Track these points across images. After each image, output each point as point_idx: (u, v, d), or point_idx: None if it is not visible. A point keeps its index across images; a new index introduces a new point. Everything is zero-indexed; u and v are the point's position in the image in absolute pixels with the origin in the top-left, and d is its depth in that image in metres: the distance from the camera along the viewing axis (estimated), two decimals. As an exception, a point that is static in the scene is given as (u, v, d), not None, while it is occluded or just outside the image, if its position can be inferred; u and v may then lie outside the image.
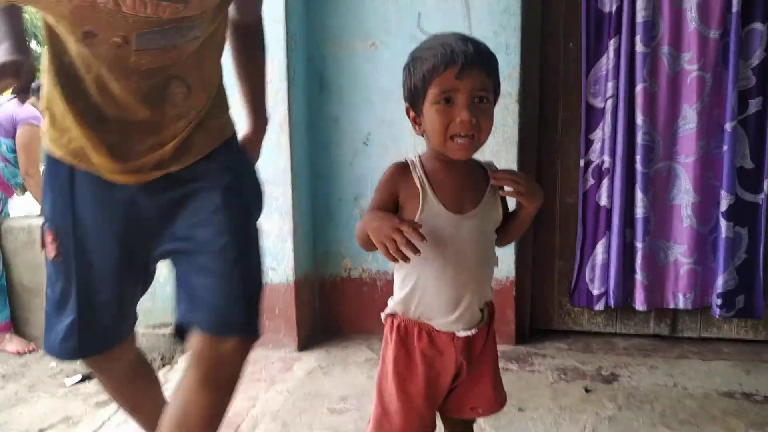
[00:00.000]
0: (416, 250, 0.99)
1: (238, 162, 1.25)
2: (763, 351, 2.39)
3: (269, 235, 2.36)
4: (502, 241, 1.23)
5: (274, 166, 2.32)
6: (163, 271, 2.74)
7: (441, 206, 1.09)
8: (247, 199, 1.24)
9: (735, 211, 2.28)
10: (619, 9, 2.25)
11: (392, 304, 1.18)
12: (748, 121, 2.28)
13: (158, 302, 2.81)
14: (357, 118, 2.46)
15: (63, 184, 1.16)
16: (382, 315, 1.21)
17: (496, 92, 1.11)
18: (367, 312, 2.51)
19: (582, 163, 2.41)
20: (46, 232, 1.20)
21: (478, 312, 1.16)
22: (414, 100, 1.09)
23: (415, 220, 1.07)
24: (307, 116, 2.48)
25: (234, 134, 1.27)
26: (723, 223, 2.28)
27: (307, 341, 2.47)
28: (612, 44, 2.28)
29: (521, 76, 2.30)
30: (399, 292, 1.16)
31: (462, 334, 1.13)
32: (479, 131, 1.05)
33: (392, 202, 1.11)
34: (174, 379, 2.18)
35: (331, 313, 2.60)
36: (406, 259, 1.00)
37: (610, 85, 2.30)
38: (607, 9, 2.29)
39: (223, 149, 1.20)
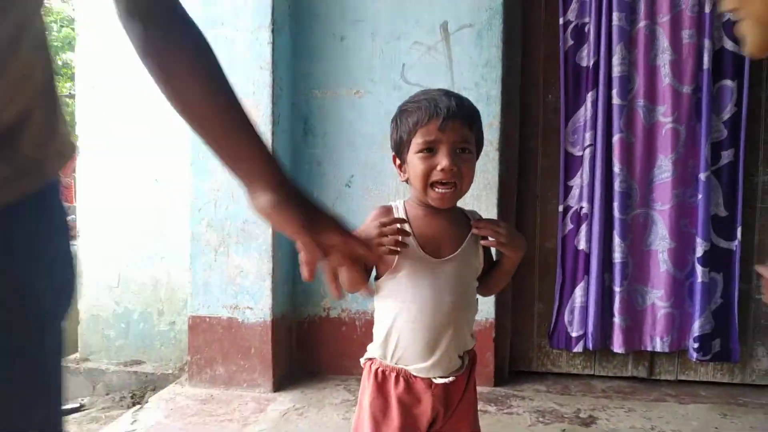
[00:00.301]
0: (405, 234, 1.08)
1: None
2: (739, 394, 2.41)
3: (248, 274, 2.35)
4: (486, 291, 1.24)
5: (257, 205, 2.33)
6: (137, 307, 2.75)
7: (420, 249, 1.11)
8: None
9: (710, 257, 2.33)
10: (596, 64, 2.34)
11: (371, 348, 1.18)
12: (721, 171, 2.35)
13: (130, 339, 2.77)
14: (340, 162, 2.49)
15: None
16: (361, 360, 1.21)
17: (479, 145, 1.15)
18: (345, 352, 2.49)
19: (561, 208, 2.46)
20: None
21: (457, 359, 1.16)
22: (400, 149, 1.14)
23: (394, 263, 1.10)
24: (291, 159, 2.50)
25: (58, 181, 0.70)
26: (699, 268, 2.33)
27: (282, 382, 2.44)
28: (590, 96, 2.36)
29: (501, 125, 2.36)
30: (377, 336, 1.16)
31: (439, 381, 1.13)
32: (461, 179, 1.09)
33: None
34: (143, 419, 2.13)
35: (309, 353, 2.58)
36: (404, 245, 1.07)
37: (588, 134, 2.37)
38: (584, 63, 2.38)
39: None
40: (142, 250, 2.75)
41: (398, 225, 1.09)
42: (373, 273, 1.17)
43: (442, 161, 1.07)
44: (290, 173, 2.62)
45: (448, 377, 1.14)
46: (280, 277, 2.42)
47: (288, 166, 2.49)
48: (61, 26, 11.32)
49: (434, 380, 1.13)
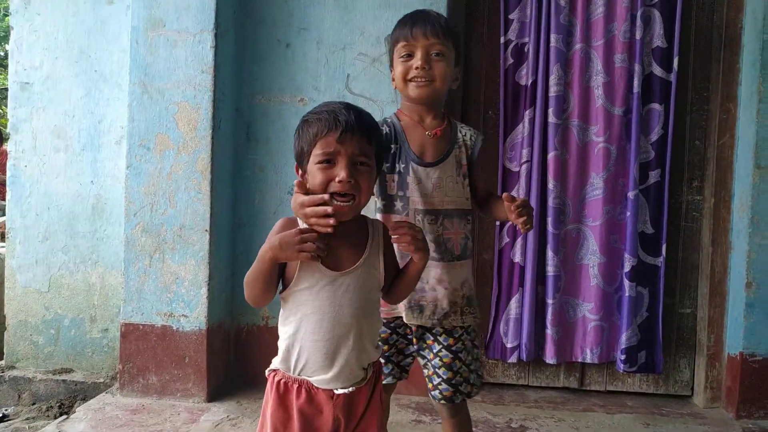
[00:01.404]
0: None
1: None
2: (663, 404, 2.52)
3: (183, 281, 2.31)
4: (393, 298, 1.29)
5: (194, 211, 2.29)
6: (69, 313, 2.66)
7: (318, 262, 1.13)
8: None
9: (637, 272, 2.43)
10: (534, 83, 2.42)
11: (275, 360, 1.19)
12: (649, 190, 2.46)
13: (61, 346, 2.68)
14: (283, 169, 2.48)
15: None
16: (267, 372, 1.21)
17: (380, 158, 1.21)
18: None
19: (498, 222, 2.52)
20: None
21: (360, 370, 1.18)
22: (301, 159, 1.18)
23: (294, 276, 1.13)
24: (232, 165, 2.48)
25: None
26: (626, 283, 2.43)
27: (217, 392, 2.40)
28: (527, 114, 2.43)
29: (442, 137, 2.40)
30: (281, 347, 1.18)
31: (340, 391, 1.15)
32: (359, 192, 1.13)
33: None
34: (69, 430, 2.06)
35: (246, 362, 2.55)
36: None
37: (525, 151, 2.44)
38: (523, 82, 2.46)
39: None
40: (76, 253, 2.66)
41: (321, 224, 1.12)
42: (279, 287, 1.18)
43: (340, 173, 1.11)
44: (231, 179, 2.59)
45: (350, 387, 1.16)
46: (218, 285, 2.39)
47: (229, 171, 2.47)
48: (5, 15, 10.86)
49: (336, 391, 1.15)
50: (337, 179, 1.11)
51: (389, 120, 1.53)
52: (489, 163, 2.54)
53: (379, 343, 1.39)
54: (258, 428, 1.20)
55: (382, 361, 1.50)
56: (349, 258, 1.17)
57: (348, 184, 1.11)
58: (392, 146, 1.48)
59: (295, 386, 1.15)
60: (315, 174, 1.13)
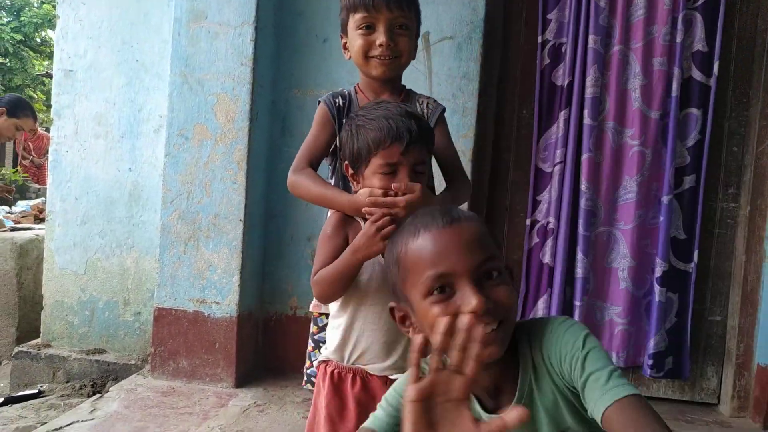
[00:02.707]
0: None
1: None
2: (688, 410, 2.50)
3: (216, 268, 2.36)
4: None
5: (229, 201, 2.34)
6: (103, 296, 2.73)
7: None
8: None
9: (668, 277, 2.41)
10: (570, 84, 2.41)
11: (326, 351, 1.21)
12: (683, 196, 2.43)
13: (95, 327, 2.76)
14: (316, 161, 2.51)
15: None
16: (314, 362, 1.24)
17: (430, 153, 1.22)
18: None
19: (528, 222, 2.52)
20: None
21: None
22: (356, 162, 1.17)
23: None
24: (267, 157, 2.52)
25: None
26: (656, 288, 2.41)
27: (245, 378, 2.45)
28: (562, 115, 2.42)
29: (476, 137, 2.41)
30: (335, 338, 1.19)
31: (395, 376, 1.17)
32: None
33: (344, 247, 1.16)
34: (103, 408, 2.13)
35: (274, 350, 2.59)
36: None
37: (558, 152, 2.43)
38: (559, 83, 2.45)
39: None
40: (112, 238, 2.73)
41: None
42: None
43: (403, 180, 1.12)
44: (266, 170, 2.62)
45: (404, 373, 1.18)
46: (249, 274, 2.44)
47: (264, 163, 2.51)
48: (42, 2, 11.09)
49: (391, 377, 1.17)
50: (394, 185, 1.12)
51: (346, 92, 1.44)
52: (522, 163, 2.55)
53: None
54: (309, 419, 1.23)
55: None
56: None
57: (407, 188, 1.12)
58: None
59: (350, 375, 1.18)
60: (374, 183, 1.14)
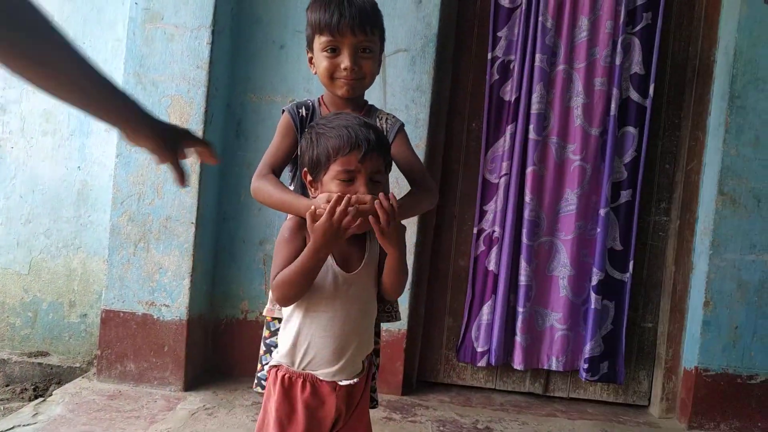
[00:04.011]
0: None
1: None
2: (621, 413, 2.64)
3: (166, 271, 2.35)
4: (391, 293, 1.29)
5: (180, 203, 2.34)
6: (47, 297, 2.67)
7: (333, 262, 1.19)
8: None
9: (604, 286, 2.55)
10: (518, 100, 2.52)
11: (277, 356, 1.24)
12: (620, 209, 2.58)
13: (38, 329, 2.69)
14: (270, 166, 2.54)
15: None
16: (266, 367, 1.27)
17: (388, 167, 1.26)
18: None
19: (475, 230, 2.62)
20: None
21: (360, 363, 1.26)
22: (314, 169, 1.21)
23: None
24: (221, 159, 2.52)
25: None
26: (593, 296, 2.54)
27: (194, 381, 2.44)
28: (509, 129, 2.53)
29: (427, 147, 2.49)
30: (285, 343, 1.22)
31: (344, 383, 1.21)
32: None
33: (302, 250, 1.18)
34: (46, 412, 2.09)
35: (224, 354, 2.60)
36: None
37: (504, 164, 2.54)
38: (507, 98, 2.56)
39: None
40: (58, 237, 2.68)
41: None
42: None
43: (360, 190, 1.15)
44: (219, 174, 2.61)
45: (353, 379, 1.23)
46: (200, 277, 2.44)
47: (218, 166, 2.51)
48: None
49: (340, 383, 1.21)
50: (355, 197, 1.14)
51: (310, 104, 1.46)
52: (470, 173, 2.64)
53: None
54: (258, 423, 1.25)
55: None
56: (357, 257, 1.23)
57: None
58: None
59: (300, 380, 1.21)
60: (332, 188, 1.17)
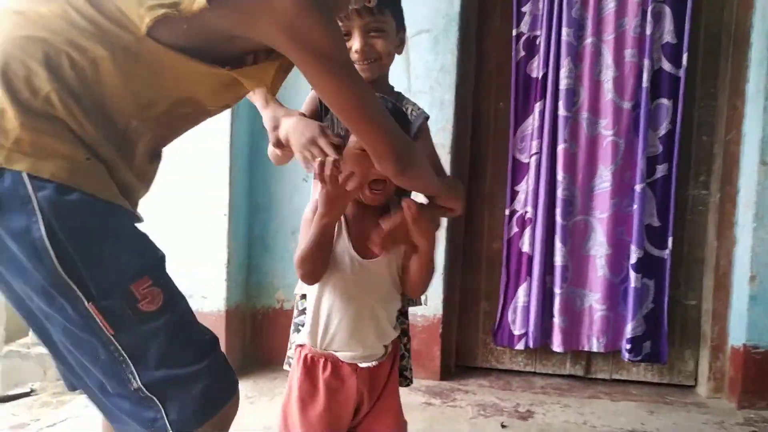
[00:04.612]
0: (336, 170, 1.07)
1: None
2: (667, 393, 2.57)
3: (203, 263, 2.40)
4: (412, 290, 1.27)
5: (212, 196, 2.38)
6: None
7: (350, 247, 1.19)
8: None
9: (643, 264, 2.48)
10: (545, 76, 2.47)
11: (302, 334, 1.26)
12: (656, 184, 2.51)
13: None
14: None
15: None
16: (293, 344, 1.29)
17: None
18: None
19: (507, 212, 2.58)
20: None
21: (381, 347, 1.26)
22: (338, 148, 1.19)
23: (330, 256, 1.18)
24: (249, 152, 2.56)
25: None
26: (632, 274, 2.48)
27: (236, 372, 2.48)
28: (538, 107, 2.49)
29: (454, 129, 2.47)
30: (308, 323, 1.24)
31: (364, 365, 1.22)
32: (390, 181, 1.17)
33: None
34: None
35: (262, 344, 2.64)
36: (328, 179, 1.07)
37: (534, 143, 2.50)
38: (534, 75, 2.52)
39: None
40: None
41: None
42: None
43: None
44: (248, 164, 2.63)
45: (372, 362, 1.23)
46: (235, 268, 2.48)
47: (246, 157, 2.55)
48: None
49: (360, 365, 1.22)
50: (373, 169, 1.13)
51: None
52: (500, 154, 2.61)
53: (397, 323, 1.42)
54: (284, 400, 1.27)
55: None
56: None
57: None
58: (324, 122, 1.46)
59: (322, 360, 1.22)
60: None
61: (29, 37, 0.86)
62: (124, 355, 0.90)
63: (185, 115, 1.04)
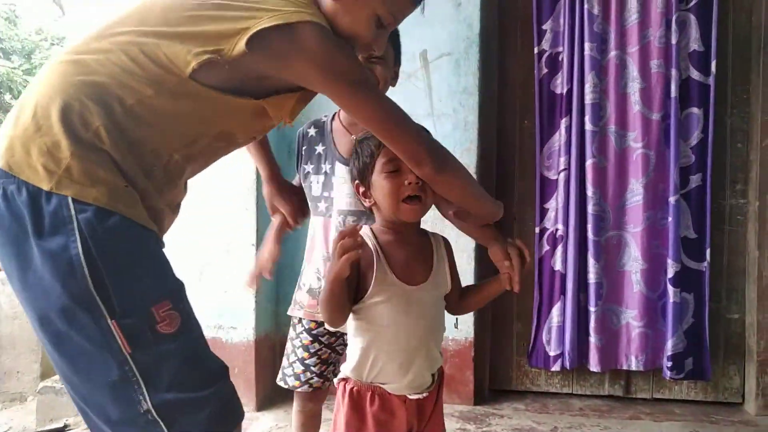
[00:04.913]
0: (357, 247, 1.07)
1: None
2: (713, 412, 2.47)
3: (231, 294, 2.39)
4: (462, 310, 1.30)
5: (240, 227, 2.38)
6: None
7: (393, 277, 1.17)
8: None
9: (681, 277, 2.41)
10: (570, 91, 2.44)
11: (345, 369, 1.23)
12: (690, 195, 2.44)
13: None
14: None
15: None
16: (335, 380, 1.26)
17: None
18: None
19: (537, 230, 2.53)
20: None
21: (429, 376, 1.23)
22: (363, 174, 1.21)
23: (369, 289, 1.16)
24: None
25: None
26: (670, 289, 2.40)
27: (265, 401, 2.47)
28: (564, 123, 2.45)
29: (479, 149, 2.44)
30: (353, 357, 1.21)
31: (413, 396, 1.19)
32: (425, 193, 1.16)
33: (353, 269, 1.15)
34: None
35: (293, 372, 2.61)
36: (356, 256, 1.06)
37: (562, 159, 2.45)
38: (558, 91, 2.48)
39: None
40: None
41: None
42: None
43: (409, 176, 1.15)
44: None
45: (423, 393, 1.20)
46: (264, 297, 2.47)
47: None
48: (51, 44, 11.36)
49: (409, 396, 1.19)
50: (406, 182, 1.15)
51: (320, 121, 1.57)
52: (527, 172, 2.57)
53: None
54: None
55: (302, 368, 1.57)
56: (420, 271, 1.21)
57: (417, 185, 1.15)
58: (317, 148, 1.55)
59: (369, 393, 1.19)
60: (383, 184, 1.17)
61: (87, 80, 0.95)
62: (138, 375, 0.92)
63: (218, 149, 1.13)
